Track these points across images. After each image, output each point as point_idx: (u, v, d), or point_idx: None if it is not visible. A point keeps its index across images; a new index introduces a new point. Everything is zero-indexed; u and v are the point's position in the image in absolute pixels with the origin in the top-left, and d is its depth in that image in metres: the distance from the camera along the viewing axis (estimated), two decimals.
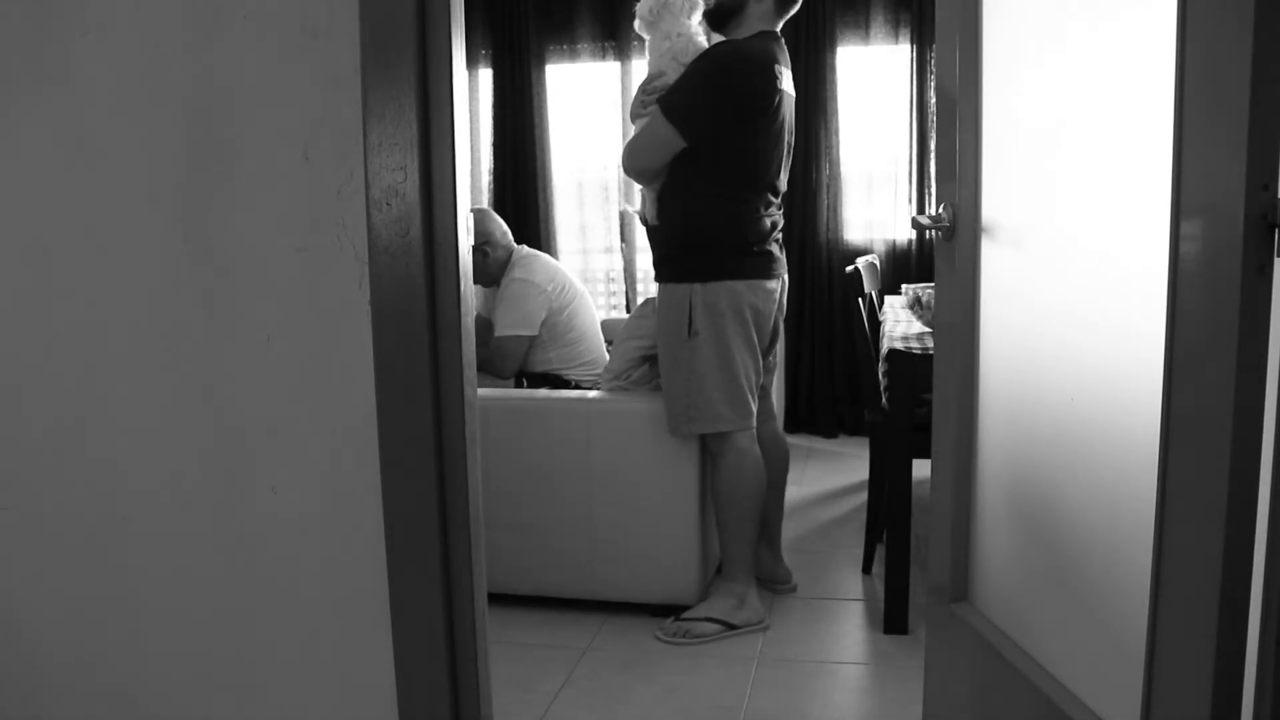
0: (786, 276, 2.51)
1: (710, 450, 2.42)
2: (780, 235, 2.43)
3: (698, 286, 2.30)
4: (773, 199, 2.39)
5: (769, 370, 2.60)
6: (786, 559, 2.72)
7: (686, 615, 2.37)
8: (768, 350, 2.51)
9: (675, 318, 2.33)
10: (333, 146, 1.33)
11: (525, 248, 3.11)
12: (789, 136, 2.40)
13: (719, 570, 2.53)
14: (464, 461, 1.36)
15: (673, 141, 2.26)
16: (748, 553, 2.41)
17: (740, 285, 2.32)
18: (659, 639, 2.33)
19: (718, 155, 2.29)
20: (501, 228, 3.04)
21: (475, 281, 3.15)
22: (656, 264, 2.42)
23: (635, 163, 2.35)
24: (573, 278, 3.10)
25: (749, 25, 2.33)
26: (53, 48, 1.39)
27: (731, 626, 2.35)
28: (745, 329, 2.34)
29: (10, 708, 1.56)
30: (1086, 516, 1.32)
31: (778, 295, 2.45)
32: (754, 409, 2.40)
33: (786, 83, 2.35)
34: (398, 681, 1.39)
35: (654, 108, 2.28)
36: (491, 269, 3.01)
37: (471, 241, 1.41)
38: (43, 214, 1.44)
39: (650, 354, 2.56)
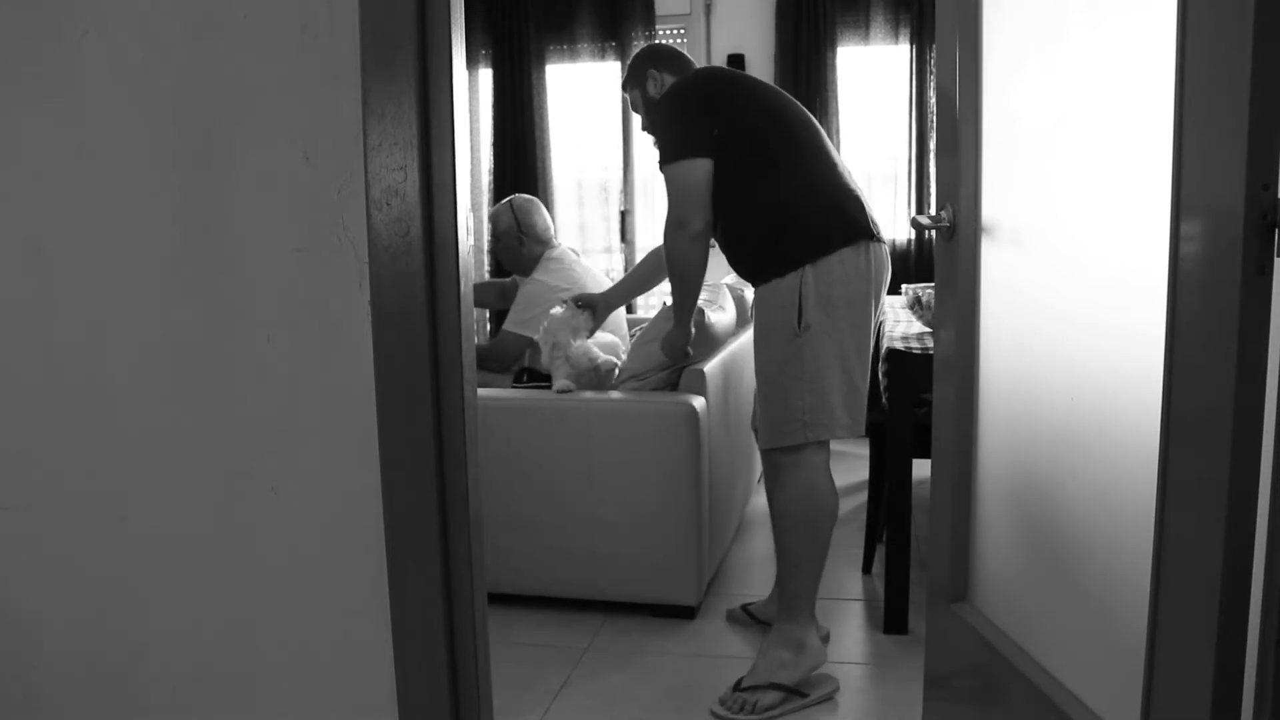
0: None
1: (777, 465, 2.15)
2: (864, 199, 2.19)
3: (808, 270, 2.06)
4: (830, 170, 2.18)
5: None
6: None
7: (748, 683, 2.07)
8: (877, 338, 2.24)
9: (781, 316, 2.09)
10: (333, 146, 1.33)
11: (561, 248, 3.15)
12: (798, 110, 2.25)
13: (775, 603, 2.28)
14: (464, 462, 1.36)
15: (699, 171, 2.12)
16: (813, 588, 2.14)
17: (849, 256, 2.08)
18: (716, 715, 2.03)
19: (744, 149, 2.14)
20: (545, 221, 3.12)
21: (508, 268, 3.27)
22: (756, 272, 2.19)
23: (689, 222, 2.13)
24: (602, 280, 3.12)
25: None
26: (53, 48, 1.39)
27: (801, 694, 2.07)
28: (864, 312, 2.11)
29: (10, 706, 1.56)
30: (1086, 516, 1.32)
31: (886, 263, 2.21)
32: (865, 412, 2.16)
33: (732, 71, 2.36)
34: (398, 681, 1.39)
35: (664, 173, 2.17)
36: (524, 259, 3.11)
37: (472, 241, 1.41)
38: (43, 214, 1.43)
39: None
